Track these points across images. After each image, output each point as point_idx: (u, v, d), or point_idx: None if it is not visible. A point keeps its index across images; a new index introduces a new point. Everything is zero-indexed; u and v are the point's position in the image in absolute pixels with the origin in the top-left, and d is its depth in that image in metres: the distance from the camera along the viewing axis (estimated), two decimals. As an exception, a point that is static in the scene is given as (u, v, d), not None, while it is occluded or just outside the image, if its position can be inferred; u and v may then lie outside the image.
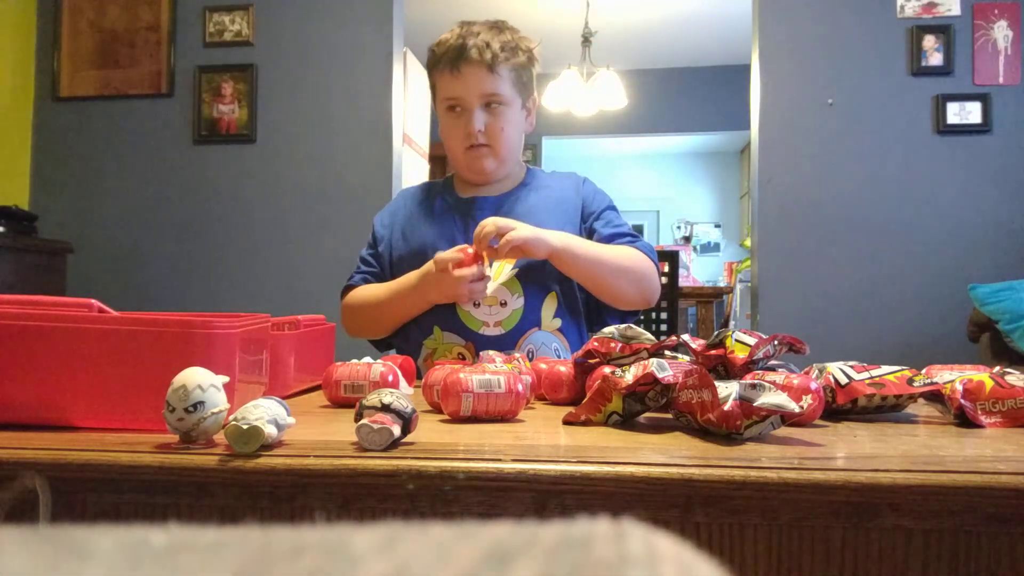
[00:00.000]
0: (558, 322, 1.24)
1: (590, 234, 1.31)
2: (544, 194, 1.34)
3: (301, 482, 0.53)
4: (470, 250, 1.14)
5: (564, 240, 1.18)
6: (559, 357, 1.22)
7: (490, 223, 1.13)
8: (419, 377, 1.04)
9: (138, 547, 0.14)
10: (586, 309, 1.30)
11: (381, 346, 1.38)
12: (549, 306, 1.24)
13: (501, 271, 1.24)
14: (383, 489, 0.52)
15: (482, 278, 1.16)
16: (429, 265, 1.17)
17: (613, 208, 1.35)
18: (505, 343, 1.20)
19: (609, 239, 1.28)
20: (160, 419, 0.57)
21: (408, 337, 1.28)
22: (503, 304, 1.21)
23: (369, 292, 1.29)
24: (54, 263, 2.88)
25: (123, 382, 0.64)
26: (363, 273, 1.34)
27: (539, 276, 1.23)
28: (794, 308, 2.82)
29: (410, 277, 1.22)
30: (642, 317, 3.04)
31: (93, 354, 0.64)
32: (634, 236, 1.30)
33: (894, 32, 2.81)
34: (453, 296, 1.18)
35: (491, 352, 0.96)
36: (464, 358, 1.20)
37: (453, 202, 1.33)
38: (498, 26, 1.29)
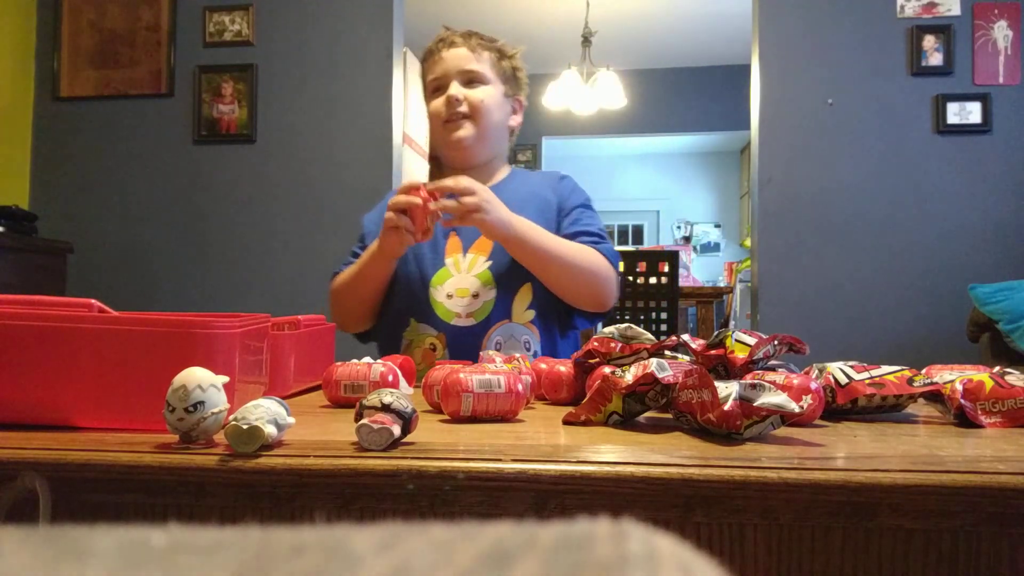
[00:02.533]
0: (531, 314, 1.25)
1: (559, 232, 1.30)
2: (522, 191, 1.34)
3: (301, 482, 0.53)
4: (424, 192, 1.11)
5: (524, 228, 1.17)
6: (529, 350, 1.23)
7: (464, 182, 1.12)
8: None
9: (138, 547, 0.14)
10: (564, 303, 1.28)
11: (365, 338, 1.38)
12: (523, 299, 1.25)
13: (474, 264, 1.26)
14: (383, 489, 0.52)
15: (423, 231, 1.13)
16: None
17: (586, 206, 1.35)
18: (476, 334, 1.21)
19: (571, 237, 1.27)
20: (160, 419, 0.57)
21: (387, 329, 1.30)
22: (475, 296, 1.23)
23: (346, 272, 1.32)
24: (54, 263, 2.88)
25: (123, 382, 0.64)
26: (349, 264, 1.35)
27: (512, 269, 1.24)
28: (794, 308, 2.82)
29: (374, 243, 1.23)
30: (641, 317, 3.04)
31: (93, 354, 0.64)
32: (600, 238, 1.29)
33: (894, 32, 2.81)
34: (386, 243, 1.16)
35: (491, 352, 0.96)
36: (435, 349, 1.22)
37: None
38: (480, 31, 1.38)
